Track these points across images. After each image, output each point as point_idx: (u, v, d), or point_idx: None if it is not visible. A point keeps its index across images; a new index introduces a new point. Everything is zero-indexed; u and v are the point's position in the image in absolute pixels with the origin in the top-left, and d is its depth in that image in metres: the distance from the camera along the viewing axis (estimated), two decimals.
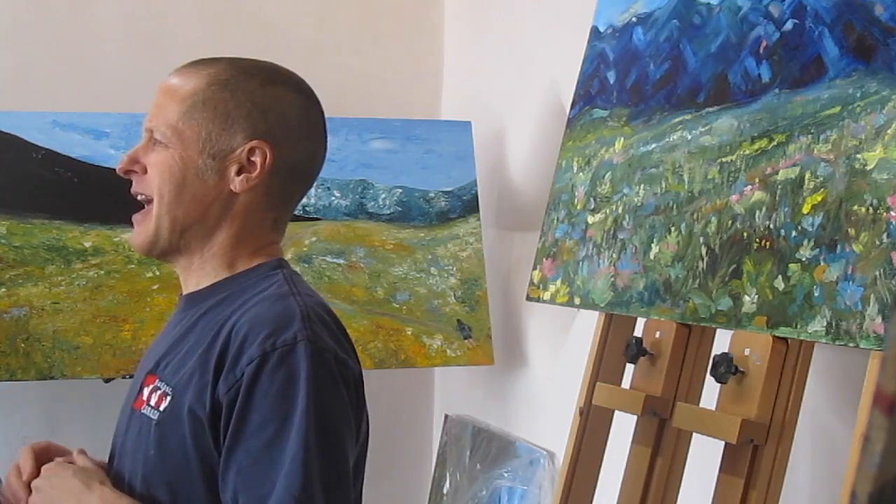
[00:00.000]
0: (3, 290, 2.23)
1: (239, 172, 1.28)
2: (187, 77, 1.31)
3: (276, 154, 1.29)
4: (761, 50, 1.61)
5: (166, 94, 1.30)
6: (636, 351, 1.72)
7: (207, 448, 1.19)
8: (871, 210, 1.33)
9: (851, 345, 1.31)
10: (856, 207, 1.36)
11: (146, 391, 1.27)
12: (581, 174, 2.01)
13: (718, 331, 1.66)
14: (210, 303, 1.29)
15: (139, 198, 1.31)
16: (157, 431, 1.22)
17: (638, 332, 1.76)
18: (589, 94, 2.07)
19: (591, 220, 1.94)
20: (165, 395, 1.23)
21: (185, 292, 1.34)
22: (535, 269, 2.08)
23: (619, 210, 1.85)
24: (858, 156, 1.38)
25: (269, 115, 1.29)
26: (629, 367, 1.79)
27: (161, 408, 1.23)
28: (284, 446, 1.14)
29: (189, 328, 1.29)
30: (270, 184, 1.30)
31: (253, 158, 1.28)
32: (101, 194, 2.31)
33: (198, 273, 1.32)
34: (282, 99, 1.32)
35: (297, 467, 1.13)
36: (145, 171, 1.29)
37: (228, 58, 1.34)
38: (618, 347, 1.84)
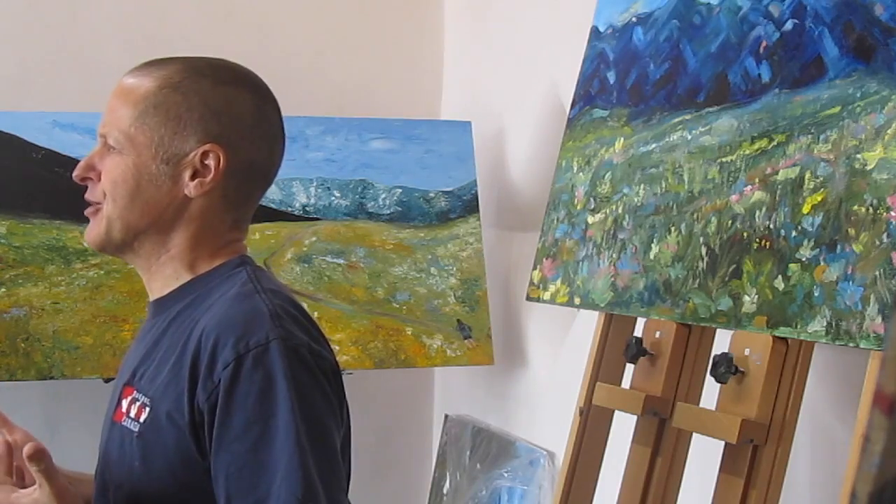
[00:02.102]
0: (3, 290, 2.23)
1: (193, 177, 1.26)
2: (139, 79, 1.29)
3: (230, 157, 1.27)
4: (761, 50, 1.61)
5: (118, 98, 1.29)
6: (636, 351, 1.72)
7: (191, 455, 1.18)
8: (871, 210, 1.33)
9: (851, 345, 1.31)
10: (856, 207, 1.36)
11: (125, 403, 1.26)
12: (581, 174, 2.01)
13: (718, 331, 1.66)
14: (177, 307, 1.28)
15: (91, 204, 1.30)
16: (139, 443, 1.21)
17: (638, 332, 1.76)
18: (589, 94, 2.07)
19: (591, 220, 1.93)
20: (144, 406, 1.22)
21: (151, 299, 1.33)
22: (535, 269, 2.08)
23: (619, 210, 1.85)
24: (858, 156, 1.38)
25: (223, 117, 1.28)
26: (629, 367, 1.79)
27: (141, 419, 1.22)
28: (272, 447, 1.14)
29: (160, 336, 1.28)
30: (226, 186, 1.28)
31: (207, 162, 1.26)
32: None
33: (159, 277, 1.31)
34: (235, 99, 1.29)
35: (296, 468, 1.12)
36: (100, 178, 1.28)
37: (182, 57, 1.32)
38: (618, 347, 1.84)
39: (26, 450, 1.16)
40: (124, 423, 1.24)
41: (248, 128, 1.30)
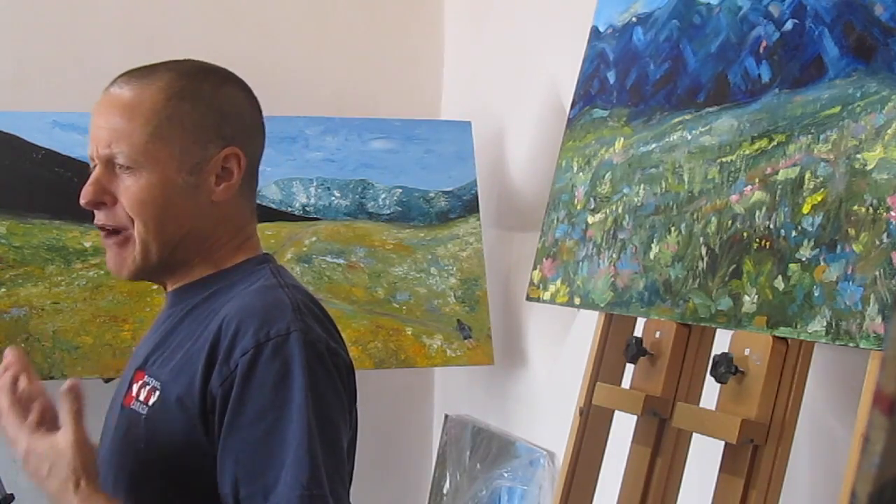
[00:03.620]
0: (3, 290, 2.23)
1: (217, 182, 1.27)
2: (138, 92, 1.26)
3: (246, 155, 1.30)
4: (761, 50, 1.61)
5: (118, 115, 1.25)
6: (636, 351, 1.72)
7: (198, 440, 1.19)
8: (871, 210, 1.33)
9: (851, 345, 1.31)
10: (856, 207, 1.36)
11: (135, 387, 1.27)
12: (581, 174, 2.01)
13: (718, 331, 1.66)
14: (198, 298, 1.29)
15: (109, 229, 1.27)
16: (146, 426, 1.23)
17: (638, 332, 1.76)
18: (589, 94, 2.07)
19: (591, 220, 1.93)
20: (154, 389, 1.23)
21: (170, 289, 1.34)
22: (535, 269, 2.08)
23: (619, 210, 1.85)
24: (858, 156, 1.38)
25: (231, 118, 1.29)
26: (629, 367, 1.79)
27: (150, 402, 1.23)
28: (284, 435, 1.15)
29: (177, 324, 1.29)
30: (243, 185, 1.31)
31: (227, 165, 1.28)
32: None
33: (183, 276, 1.32)
34: (234, 99, 1.31)
35: (304, 455, 1.13)
36: (115, 202, 1.25)
37: (165, 64, 1.30)
38: (618, 347, 1.83)
39: (67, 383, 1.15)
40: (133, 407, 1.25)
41: (249, 125, 1.33)
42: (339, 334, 1.28)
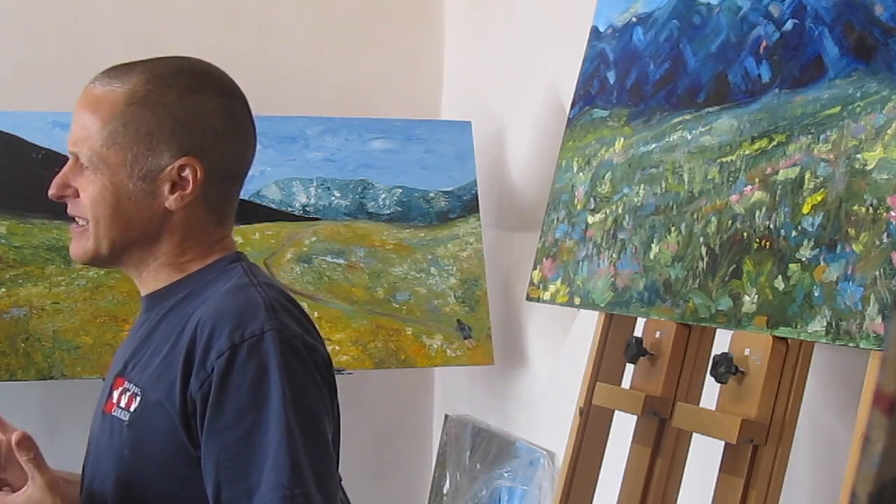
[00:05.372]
0: (3, 290, 2.23)
1: (172, 190, 1.27)
2: (106, 93, 1.28)
3: (206, 166, 1.27)
4: (761, 50, 1.61)
5: (85, 112, 1.29)
6: (636, 351, 1.72)
7: (181, 445, 1.19)
8: (871, 210, 1.33)
9: (851, 345, 1.31)
10: (856, 207, 1.36)
11: (116, 394, 1.27)
12: (581, 174, 2.01)
13: (718, 331, 1.66)
14: (172, 301, 1.29)
15: (78, 220, 1.31)
16: (129, 432, 1.23)
17: (638, 332, 1.76)
18: (589, 94, 2.07)
19: (591, 220, 1.94)
20: (135, 395, 1.24)
21: (144, 294, 1.35)
22: (535, 269, 2.08)
23: (619, 210, 1.85)
24: (858, 156, 1.38)
25: (194, 127, 1.27)
26: (629, 367, 1.79)
27: (131, 408, 1.23)
28: (264, 436, 1.15)
29: (153, 328, 1.29)
30: (205, 194, 1.29)
31: (184, 175, 1.27)
32: None
33: (151, 279, 1.32)
34: (204, 107, 1.29)
35: (283, 457, 1.13)
36: (78, 195, 1.29)
37: (145, 64, 1.30)
38: (618, 347, 1.84)
39: (14, 437, 1.18)
40: (115, 414, 1.26)
41: (220, 134, 1.30)
42: (315, 330, 1.27)
